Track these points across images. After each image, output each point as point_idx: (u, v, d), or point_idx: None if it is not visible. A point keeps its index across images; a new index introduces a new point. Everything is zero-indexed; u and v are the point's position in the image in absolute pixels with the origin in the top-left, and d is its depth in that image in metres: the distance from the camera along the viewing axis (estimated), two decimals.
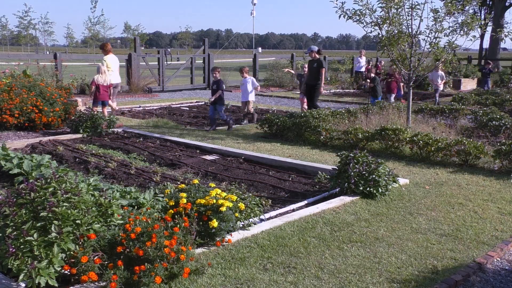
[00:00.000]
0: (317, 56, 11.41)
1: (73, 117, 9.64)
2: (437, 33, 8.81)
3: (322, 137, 8.68)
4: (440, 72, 16.01)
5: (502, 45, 46.48)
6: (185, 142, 8.67)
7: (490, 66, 21.17)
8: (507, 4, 36.30)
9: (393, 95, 14.26)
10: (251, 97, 11.60)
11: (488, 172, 6.90)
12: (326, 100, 16.96)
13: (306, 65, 12.04)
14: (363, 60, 21.96)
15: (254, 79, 11.64)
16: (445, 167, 7.13)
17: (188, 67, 20.71)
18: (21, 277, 3.17)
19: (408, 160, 7.59)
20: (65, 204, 3.44)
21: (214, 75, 10.57)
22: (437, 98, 15.59)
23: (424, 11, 8.71)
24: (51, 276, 3.20)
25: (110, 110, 11.29)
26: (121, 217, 3.85)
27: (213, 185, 4.74)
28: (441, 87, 16.24)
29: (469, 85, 22.42)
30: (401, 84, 14.33)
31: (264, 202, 5.24)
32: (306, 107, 11.69)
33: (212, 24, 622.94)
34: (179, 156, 7.71)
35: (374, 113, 10.19)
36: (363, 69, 21.33)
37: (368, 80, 13.68)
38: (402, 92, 15.50)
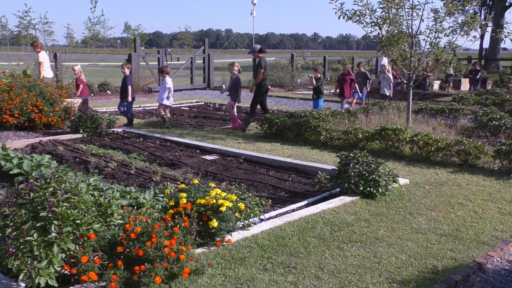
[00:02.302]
0: (260, 55, 10.37)
1: (73, 117, 9.65)
2: (437, 33, 8.80)
3: (322, 137, 8.68)
4: (388, 75, 14.06)
5: (502, 45, 46.51)
6: (185, 142, 8.67)
7: (477, 67, 21.16)
8: (507, 4, 36.30)
9: (346, 99, 12.90)
10: (165, 101, 10.50)
11: (488, 172, 6.90)
12: (326, 100, 16.93)
13: (234, 66, 10.80)
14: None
15: (168, 82, 10.50)
16: (445, 167, 7.13)
17: (188, 67, 20.72)
18: (21, 277, 3.17)
19: (408, 160, 7.59)
20: (65, 204, 3.44)
21: (123, 71, 10.66)
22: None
23: (424, 11, 8.72)
24: (51, 276, 3.20)
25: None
26: (121, 217, 3.85)
27: (213, 185, 4.74)
28: (388, 93, 13.93)
29: (469, 85, 22.42)
30: (355, 84, 13.04)
31: (264, 202, 5.23)
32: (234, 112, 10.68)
33: (212, 24, 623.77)
34: (179, 156, 7.71)
35: (374, 113, 10.20)
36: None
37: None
38: (360, 94, 13.89)
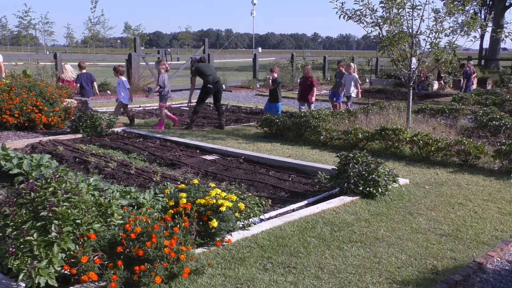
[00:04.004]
0: (198, 64, 10.72)
1: (73, 117, 9.64)
2: (437, 33, 8.81)
3: (322, 137, 8.68)
4: (354, 75, 12.37)
5: (502, 45, 46.57)
6: (185, 142, 8.67)
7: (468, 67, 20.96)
8: (507, 4, 36.30)
9: (313, 105, 11.43)
10: (128, 100, 10.77)
11: (488, 172, 6.90)
12: (326, 100, 16.94)
13: (162, 65, 10.58)
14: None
15: (124, 81, 10.74)
16: (445, 167, 7.13)
17: (188, 67, 20.72)
18: (21, 277, 3.16)
19: (408, 160, 7.59)
20: (65, 204, 3.44)
21: (80, 69, 11.85)
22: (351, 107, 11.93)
23: (425, 11, 8.72)
24: (51, 276, 3.20)
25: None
26: (121, 217, 3.85)
27: (213, 185, 4.74)
28: (353, 94, 12.39)
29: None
30: (315, 89, 11.46)
31: (264, 202, 5.23)
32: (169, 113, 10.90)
33: (212, 24, 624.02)
34: (179, 156, 7.71)
35: (374, 113, 10.20)
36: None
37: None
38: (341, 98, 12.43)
